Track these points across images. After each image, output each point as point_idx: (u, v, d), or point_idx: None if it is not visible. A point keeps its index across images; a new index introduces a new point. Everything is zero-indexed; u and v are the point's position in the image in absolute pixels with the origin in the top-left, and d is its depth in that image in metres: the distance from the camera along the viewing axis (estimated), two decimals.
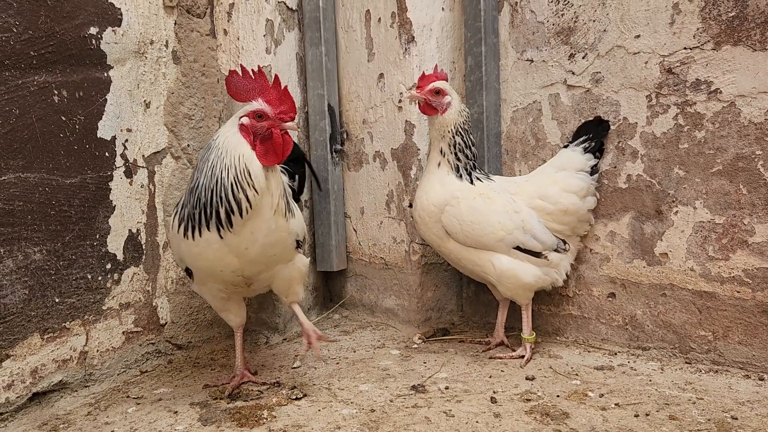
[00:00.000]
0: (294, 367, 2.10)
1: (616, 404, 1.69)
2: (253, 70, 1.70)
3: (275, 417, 1.72)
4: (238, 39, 2.36)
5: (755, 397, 1.69)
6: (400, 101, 2.37)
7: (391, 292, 2.51)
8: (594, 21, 2.09)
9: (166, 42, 2.24)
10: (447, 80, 2.11)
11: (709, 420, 1.57)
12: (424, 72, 2.12)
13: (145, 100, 2.17)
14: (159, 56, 2.22)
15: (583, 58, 2.13)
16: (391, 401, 1.79)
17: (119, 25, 2.07)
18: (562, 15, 2.17)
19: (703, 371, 1.89)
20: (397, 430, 1.61)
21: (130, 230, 2.12)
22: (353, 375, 2.01)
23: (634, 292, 2.07)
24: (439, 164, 2.07)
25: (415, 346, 2.26)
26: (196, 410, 1.80)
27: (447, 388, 1.86)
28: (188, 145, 2.32)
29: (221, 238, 1.66)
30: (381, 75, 2.43)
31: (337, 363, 2.13)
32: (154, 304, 2.21)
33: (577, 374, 1.91)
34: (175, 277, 2.29)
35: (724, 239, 1.87)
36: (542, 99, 2.25)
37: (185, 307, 2.31)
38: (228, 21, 2.37)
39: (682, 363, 1.95)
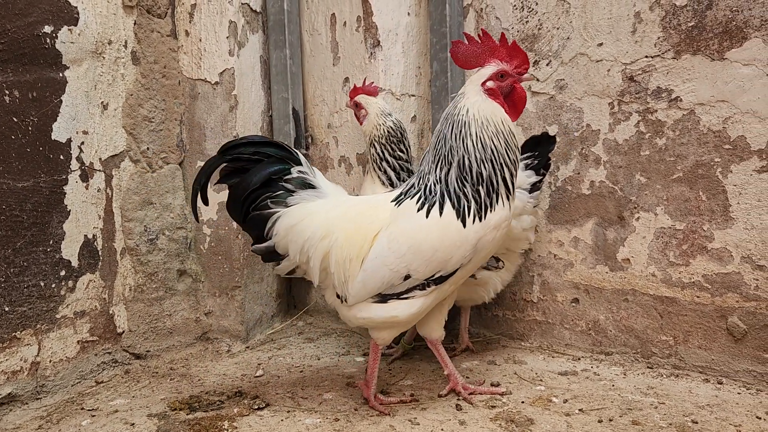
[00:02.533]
0: (257, 376, 2.05)
1: (580, 410, 1.69)
2: (478, 35, 1.67)
3: (236, 428, 1.67)
4: (200, 40, 2.32)
5: (714, 401, 1.71)
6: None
7: None
8: (558, 29, 2.10)
9: (125, 42, 2.18)
10: (375, 95, 2.11)
11: (670, 424, 1.58)
12: (355, 84, 2.15)
13: (102, 102, 2.11)
14: (117, 57, 2.15)
15: (548, 65, 2.14)
16: (356, 410, 1.76)
17: (75, 24, 2.01)
18: (527, 22, 2.18)
19: (664, 376, 1.91)
20: None
21: (85, 236, 2.05)
22: (317, 383, 1.97)
23: (597, 298, 2.08)
24: (367, 171, 2.11)
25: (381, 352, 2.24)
26: (154, 422, 1.74)
27: (412, 395, 1.84)
28: (148, 149, 2.26)
29: (510, 209, 1.62)
30: (346, 79, 2.41)
31: (301, 371, 2.09)
32: (110, 312, 2.14)
33: (541, 380, 1.91)
34: (133, 284, 2.22)
35: (684, 245, 1.90)
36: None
37: (144, 315, 2.25)
38: (190, 22, 2.33)
39: (644, 368, 1.98)
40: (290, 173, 1.72)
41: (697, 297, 1.88)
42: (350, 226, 1.66)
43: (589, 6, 2.02)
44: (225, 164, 1.71)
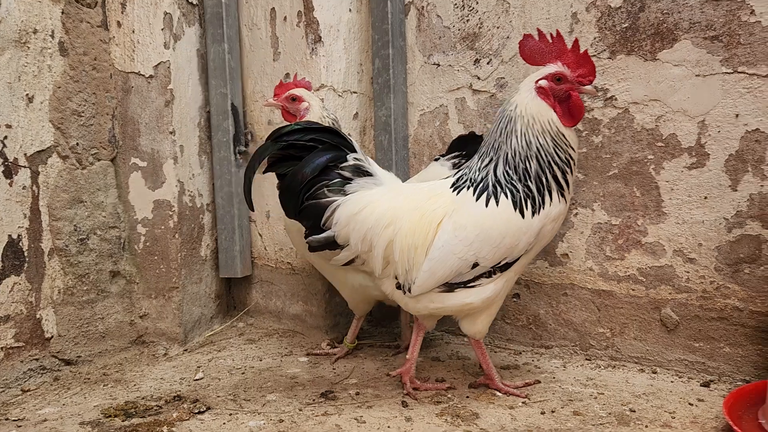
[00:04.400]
0: (196, 379, 1.99)
1: (523, 402, 1.72)
2: (550, 34, 1.64)
3: None
4: (133, 32, 2.23)
5: (650, 390, 1.77)
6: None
7: (298, 298, 2.45)
8: (498, 27, 2.13)
9: (52, 32, 2.07)
10: (310, 89, 2.10)
11: (609, 414, 1.63)
12: (281, 80, 2.12)
13: (27, 94, 2.00)
14: (44, 47, 2.04)
15: (488, 63, 2.17)
16: (300, 410, 1.73)
17: None
18: (468, 21, 2.20)
19: (602, 367, 1.97)
20: None
21: (9, 236, 1.93)
22: (260, 384, 1.93)
23: (537, 292, 2.12)
24: None
25: (326, 342, 2.23)
26: (86, 430, 1.66)
27: (357, 393, 1.83)
28: (77, 144, 2.16)
29: (566, 204, 1.63)
30: (287, 75, 2.36)
31: (243, 373, 2.04)
32: (38, 316, 2.03)
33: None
34: (63, 286, 2.11)
35: (620, 240, 1.96)
36: (449, 103, 2.27)
37: (74, 319, 2.14)
38: (122, 12, 2.23)
39: (583, 359, 2.03)
40: (346, 160, 1.66)
41: (633, 290, 1.95)
42: (414, 214, 1.64)
43: (528, 6, 2.06)
44: (279, 151, 1.64)
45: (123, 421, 1.70)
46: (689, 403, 1.67)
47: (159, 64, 2.22)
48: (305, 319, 2.44)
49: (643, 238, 1.92)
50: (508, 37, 2.12)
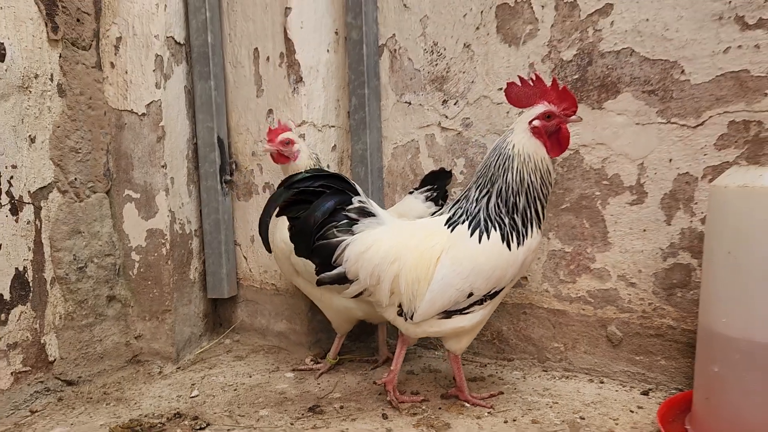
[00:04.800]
0: (192, 397, 2.17)
1: (488, 413, 1.95)
2: (531, 78, 1.82)
3: None
4: (126, 72, 2.39)
5: (598, 399, 2.03)
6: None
7: (282, 317, 2.65)
8: (464, 72, 2.36)
9: (51, 75, 2.22)
10: (292, 130, 2.28)
11: (563, 421, 1.88)
12: (270, 127, 2.28)
13: (30, 135, 2.14)
14: (44, 90, 2.19)
15: (455, 104, 2.40)
16: (291, 424, 1.93)
17: (3, 60, 2.03)
18: (436, 65, 2.42)
19: (557, 378, 2.22)
20: None
21: (16, 268, 2.09)
22: (252, 400, 2.13)
23: (500, 311, 2.37)
24: None
25: (310, 358, 2.44)
26: None
27: (342, 407, 2.04)
28: (75, 179, 2.31)
29: (540, 233, 1.84)
30: (270, 111, 2.55)
31: (235, 389, 2.23)
32: (42, 341, 2.18)
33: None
34: (63, 312, 2.27)
35: (572, 265, 2.21)
36: (419, 138, 2.50)
37: (74, 342, 2.30)
38: (115, 54, 2.39)
39: (541, 371, 2.28)
40: (352, 203, 1.84)
41: (583, 310, 2.20)
42: (416, 251, 1.82)
43: (490, 55, 2.29)
44: (292, 197, 1.80)
45: None
46: (630, 411, 1.93)
47: (151, 102, 2.38)
48: (289, 336, 2.64)
49: (591, 264, 2.18)
50: (473, 82, 2.35)
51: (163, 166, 2.40)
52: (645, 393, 2.04)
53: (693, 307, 1.99)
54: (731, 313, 1.51)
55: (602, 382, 2.15)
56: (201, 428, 1.92)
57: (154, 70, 2.37)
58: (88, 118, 2.36)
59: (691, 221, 1.98)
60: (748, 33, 1.83)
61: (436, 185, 2.33)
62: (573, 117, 1.80)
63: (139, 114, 2.39)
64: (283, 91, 2.50)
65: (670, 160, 1.99)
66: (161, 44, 2.39)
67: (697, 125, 1.93)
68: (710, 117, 1.90)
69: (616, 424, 1.84)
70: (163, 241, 2.43)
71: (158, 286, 2.45)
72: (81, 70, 2.33)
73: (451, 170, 2.37)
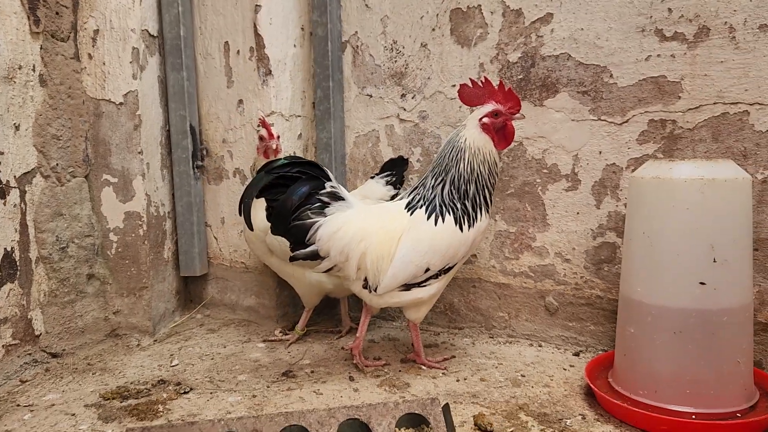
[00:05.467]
0: (173, 365, 2.37)
1: (443, 373, 2.22)
2: (480, 80, 2.06)
3: (170, 410, 2.00)
4: (104, 64, 2.52)
5: (536, 360, 2.33)
6: (258, 126, 2.70)
7: (251, 293, 2.86)
8: (421, 69, 2.60)
9: (33, 66, 2.34)
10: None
11: (506, 379, 2.16)
12: (266, 122, 2.45)
13: (15, 123, 2.27)
14: (27, 80, 2.31)
15: (413, 98, 2.63)
16: (268, 387, 2.16)
17: None
18: (396, 61, 2.65)
19: (501, 343, 2.51)
20: (279, 408, 1.99)
21: (5, 249, 2.22)
22: (229, 367, 2.34)
23: (452, 285, 2.64)
24: None
25: (279, 330, 2.65)
26: (92, 411, 2.01)
27: (312, 372, 2.27)
28: (57, 164, 2.44)
29: (488, 217, 2.09)
30: (240, 101, 2.73)
31: (212, 358, 2.44)
32: (29, 316, 2.33)
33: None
34: (47, 289, 2.42)
35: (515, 244, 2.50)
36: (380, 128, 2.73)
37: (58, 317, 2.45)
38: (93, 46, 2.52)
39: (487, 338, 2.57)
40: (324, 188, 2.06)
41: (525, 283, 2.50)
42: (381, 231, 2.06)
43: (444, 54, 2.54)
44: (271, 181, 1.98)
45: (121, 402, 2.07)
46: (564, 369, 2.24)
47: (128, 92, 2.53)
48: (258, 310, 2.85)
49: (532, 243, 2.47)
50: (429, 78, 2.59)
51: (139, 153, 2.56)
52: (576, 354, 2.36)
53: (617, 279, 2.30)
54: (645, 283, 1.81)
55: (540, 346, 2.46)
56: (185, 392, 2.13)
57: (131, 62, 2.52)
58: (68, 107, 2.48)
59: (617, 205, 2.28)
60: (665, 44, 2.12)
61: (395, 171, 2.58)
62: (517, 115, 2.05)
63: (117, 103, 2.53)
64: (253, 82, 2.68)
65: (600, 153, 2.29)
66: (137, 37, 2.53)
67: (623, 122, 2.22)
68: (633, 116, 2.20)
69: (551, 380, 2.14)
70: (140, 223, 2.59)
71: (136, 264, 2.61)
72: (60, 61, 2.45)
73: (407, 158, 2.62)
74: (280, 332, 2.68)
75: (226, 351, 2.51)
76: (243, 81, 2.71)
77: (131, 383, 2.21)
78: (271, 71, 2.65)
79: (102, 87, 2.53)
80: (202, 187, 2.89)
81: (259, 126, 2.44)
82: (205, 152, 2.86)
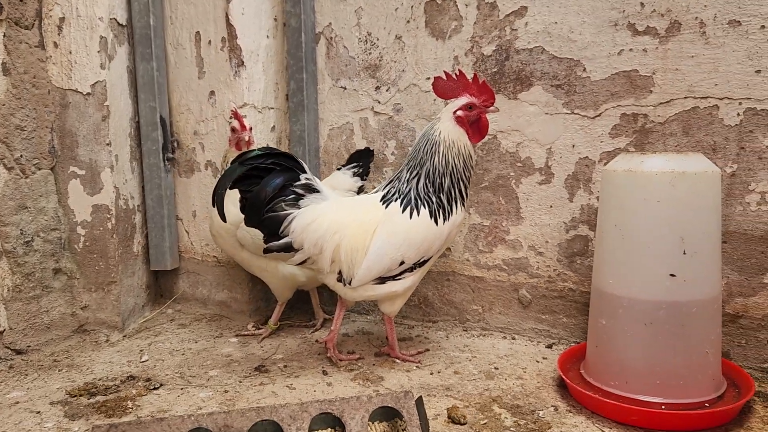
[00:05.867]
0: (142, 361, 2.32)
1: (416, 367, 2.22)
2: (455, 73, 2.04)
3: (139, 406, 1.96)
4: (71, 53, 2.46)
5: (510, 352, 2.34)
6: (231, 118, 2.66)
7: (223, 287, 2.82)
8: (395, 62, 2.58)
9: None
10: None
11: (480, 371, 2.17)
12: (239, 115, 2.38)
13: None
14: None
15: (387, 90, 2.62)
16: (240, 382, 2.13)
17: None
18: (370, 53, 2.63)
19: (475, 336, 2.52)
20: (251, 404, 1.97)
21: None
22: (201, 363, 2.30)
23: (426, 279, 2.63)
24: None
25: (251, 324, 2.62)
26: (58, 408, 1.96)
27: (285, 366, 2.25)
28: (21, 156, 2.38)
29: (464, 212, 2.08)
30: (212, 92, 2.68)
31: (183, 354, 2.40)
32: None
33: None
34: (11, 284, 2.35)
35: (489, 237, 2.50)
36: (354, 121, 2.70)
37: (22, 313, 2.39)
38: (59, 34, 2.45)
39: (461, 331, 2.58)
40: (299, 179, 2.03)
41: (498, 276, 2.50)
42: (355, 224, 2.03)
43: (419, 47, 2.52)
44: (245, 172, 1.95)
45: (88, 399, 2.02)
46: (537, 361, 2.25)
47: (96, 82, 2.47)
48: (230, 305, 2.81)
49: (506, 236, 2.47)
50: (403, 70, 2.57)
51: (108, 144, 2.50)
52: (549, 346, 2.37)
53: (589, 272, 2.32)
54: (616, 275, 1.82)
55: (514, 339, 2.47)
56: (155, 388, 2.09)
57: (98, 51, 2.46)
58: (32, 97, 2.42)
59: (590, 199, 2.30)
60: (638, 38, 2.14)
61: (362, 162, 2.58)
62: (491, 108, 2.05)
63: (84, 93, 2.47)
64: (225, 73, 2.64)
65: (573, 146, 2.30)
66: (105, 26, 2.47)
67: (596, 116, 2.24)
68: (606, 110, 2.21)
69: (525, 372, 2.15)
70: (108, 216, 2.53)
71: (104, 259, 2.56)
72: (24, 50, 2.38)
73: (373, 150, 2.62)
74: (253, 327, 2.65)
75: (198, 346, 2.48)
76: (215, 72, 2.66)
77: (99, 380, 2.17)
78: (243, 62, 2.61)
79: (68, 77, 2.47)
80: (173, 179, 2.83)
81: (231, 117, 2.39)
82: (175, 144, 2.81)
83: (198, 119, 2.74)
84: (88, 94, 2.47)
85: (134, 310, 2.72)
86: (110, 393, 2.06)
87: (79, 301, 2.58)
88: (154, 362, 2.32)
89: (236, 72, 2.62)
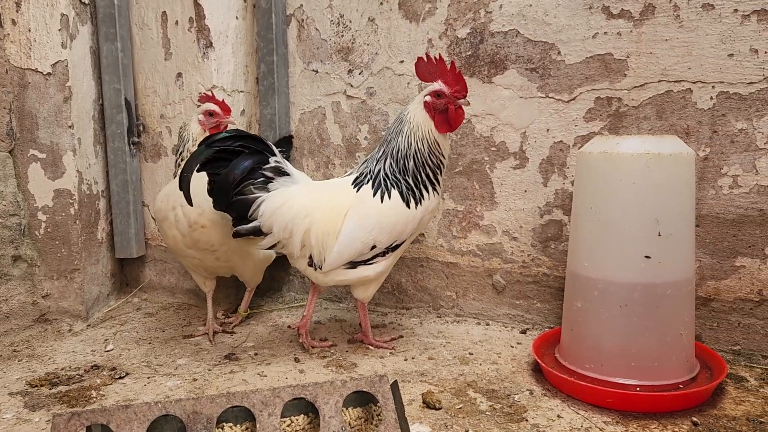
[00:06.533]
0: (108, 351, 2.25)
1: (390, 353, 2.19)
2: (435, 57, 1.98)
3: (104, 395, 1.89)
4: (30, 31, 2.36)
5: (484, 338, 2.32)
6: (199, 101, 2.58)
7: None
8: (368, 45, 2.54)
9: None
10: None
11: (455, 357, 2.15)
12: (220, 100, 2.28)
13: None
14: None
15: (360, 74, 2.57)
16: (209, 370, 2.07)
17: None
18: (342, 36, 2.58)
19: (449, 322, 2.50)
20: (221, 392, 1.91)
21: None
22: (168, 352, 2.24)
23: (399, 265, 2.60)
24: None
25: (219, 322, 2.55)
26: (18, 399, 1.88)
27: (256, 354, 2.20)
28: None
29: (437, 198, 2.05)
30: (179, 74, 2.60)
31: (150, 343, 2.32)
32: None
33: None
34: None
35: (463, 222, 2.48)
36: (326, 105, 2.65)
37: None
38: (17, 11, 2.35)
39: (435, 317, 2.55)
40: (268, 162, 1.99)
41: (472, 261, 2.48)
42: (326, 207, 1.99)
43: (393, 29, 2.48)
44: (212, 155, 1.90)
45: (50, 389, 1.94)
46: (511, 346, 2.24)
47: (57, 62, 2.37)
48: (199, 293, 2.74)
49: (480, 222, 2.45)
50: (376, 53, 2.53)
51: (70, 127, 2.41)
52: (523, 332, 2.36)
53: (563, 257, 2.31)
54: (592, 257, 1.81)
55: (488, 324, 2.45)
56: (120, 377, 2.02)
57: (59, 30, 2.36)
58: None
59: (564, 183, 2.29)
60: (612, 21, 2.13)
61: (284, 149, 2.59)
62: (461, 100, 1.99)
63: (45, 73, 2.37)
64: (192, 55, 2.56)
65: (548, 130, 2.28)
66: (66, 3, 2.37)
67: (570, 100, 2.22)
68: (581, 93, 2.20)
69: (499, 357, 2.14)
70: (71, 201, 2.44)
71: (66, 245, 2.47)
72: None
73: (293, 136, 2.70)
74: (223, 315, 2.58)
75: (165, 335, 2.40)
76: (182, 53, 2.58)
77: (62, 369, 2.09)
78: (212, 43, 2.53)
79: (27, 56, 2.37)
80: (139, 164, 2.75)
81: (199, 102, 2.31)
82: (141, 128, 2.72)
83: (165, 102, 2.66)
84: (49, 74, 2.37)
85: (99, 299, 2.63)
86: (73, 383, 1.98)
87: (40, 289, 2.48)
88: (120, 351, 2.24)
89: (204, 53, 2.55)
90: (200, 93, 2.34)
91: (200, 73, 2.56)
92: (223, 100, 2.24)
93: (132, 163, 2.69)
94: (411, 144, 2.00)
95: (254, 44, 2.68)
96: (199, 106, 2.32)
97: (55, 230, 2.46)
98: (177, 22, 2.57)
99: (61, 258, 2.47)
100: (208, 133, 2.26)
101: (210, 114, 2.23)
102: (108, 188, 2.67)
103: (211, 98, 2.25)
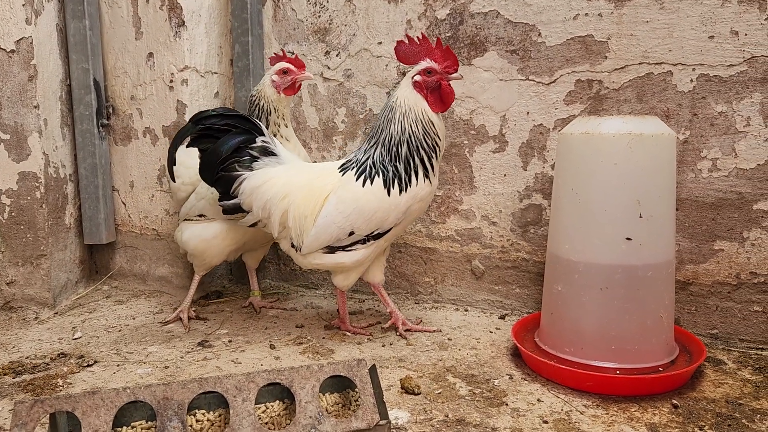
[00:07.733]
0: (75, 338, 2.17)
1: (368, 339, 2.15)
2: (417, 37, 1.93)
3: (71, 384, 1.82)
4: None
5: (462, 323, 2.29)
6: (171, 81, 2.51)
7: (164, 261, 2.67)
8: (346, 25, 2.48)
9: None
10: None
11: (433, 343, 2.11)
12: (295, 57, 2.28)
13: None
14: None
15: (337, 55, 2.51)
16: (182, 357, 2.01)
17: None
18: (319, 16, 2.52)
19: (428, 308, 2.46)
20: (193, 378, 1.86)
21: None
22: (139, 339, 2.17)
23: None
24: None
25: (193, 309, 2.48)
26: None
27: (230, 341, 2.14)
28: None
29: (432, 185, 1.97)
30: (150, 54, 2.52)
31: (120, 330, 2.25)
32: None
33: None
34: None
35: (442, 207, 2.44)
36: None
37: None
38: None
39: (413, 303, 2.52)
40: (255, 142, 2.00)
41: (451, 247, 2.45)
42: (305, 189, 1.96)
43: (371, 10, 2.43)
44: (199, 131, 1.96)
45: (14, 378, 1.87)
46: (490, 331, 2.21)
47: (21, 39, 2.27)
48: (171, 280, 2.67)
49: (459, 206, 2.42)
50: (354, 35, 2.48)
51: (35, 107, 2.31)
52: (502, 317, 2.34)
53: (543, 241, 2.29)
54: (573, 239, 1.79)
55: (467, 310, 2.43)
56: (89, 365, 1.95)
57: (23, 5, 2.26)
58: None
59: (544, 167, 2.26)
60: (593, 2, 2.10)
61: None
62: (454, 75, 1.94)
63: (8, 51, 2.28)
64: (164, 34, 2.48)
65: (528, 113, 2.26)
66: None
67: (551, 82, 2.20)
68: (561, 76, 2.18)
69: (478, 342, 2.11)
70: (36, 185, 2.35)
71: (32, 230, 2.38)
72: None
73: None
74: (202, 299, 2.52)
75: (136, 323, 2.33)
76: (153, 32, 2.50)
77: (26, 358, 2.01)
78: (184, 22, 2.46)
79: None
80: (109, 147, 2.66)
81: (271, 64, 2.26)
82: (111, 110, 2.63)
83: (135, 83, 2.57)
84: (12, 51, 2.28)
85: (66, 286, 2.54)
86: (38, 371, 1.91)
87: (4, 276, 2.39)
88: (88, 339, 2.17)
89: (177, 33, 2.47)
90: (270, 56, 2.28)
91: (172, 53, 2.48)
92: (296, 55, 2.25)
93: (101, 146, 2.60)
94: (405, 129, 1.94)
95: (228, 24, 2.61)
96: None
97: (19, 214, 2.37)
98: (148, 1, 2.48)
99: (26, 243, 2.38)
100: (283, 96, 2.23)
101: (284, 72, 2.20)
102: (76, 172, 2.58)
103: (282, 57, 2.25)
